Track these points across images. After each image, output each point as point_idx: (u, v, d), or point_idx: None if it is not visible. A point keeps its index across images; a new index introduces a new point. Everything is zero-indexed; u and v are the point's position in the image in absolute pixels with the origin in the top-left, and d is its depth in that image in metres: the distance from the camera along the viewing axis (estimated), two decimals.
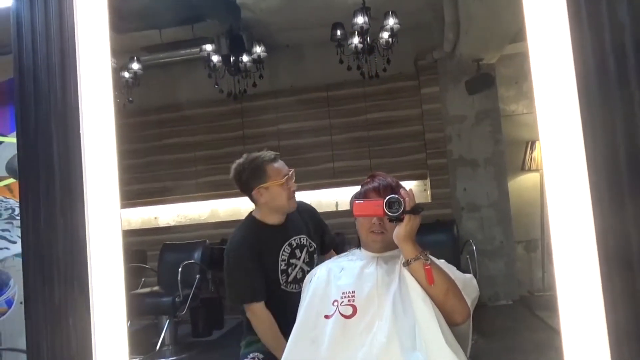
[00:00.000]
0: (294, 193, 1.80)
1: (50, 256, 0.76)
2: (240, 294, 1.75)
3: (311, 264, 1.82)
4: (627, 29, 0.69)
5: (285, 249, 1.80)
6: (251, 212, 1.88)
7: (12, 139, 2.68)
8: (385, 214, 1.30)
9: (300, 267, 1.80)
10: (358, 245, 1.57)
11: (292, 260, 1.81)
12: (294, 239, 1.83)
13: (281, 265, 1.79)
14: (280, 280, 1.79)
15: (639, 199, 0.66)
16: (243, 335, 1.87)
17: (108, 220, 0.75)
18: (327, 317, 1.36)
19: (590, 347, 0.66)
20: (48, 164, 0.77)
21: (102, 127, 0.78)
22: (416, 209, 1.31)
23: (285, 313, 1.52)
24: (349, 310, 1.34)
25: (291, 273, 1.81)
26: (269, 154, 1.80)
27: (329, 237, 2.00)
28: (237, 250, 1.78)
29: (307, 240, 1.86)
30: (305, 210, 1.95)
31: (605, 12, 0.69)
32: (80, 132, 0.77)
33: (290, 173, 1.79)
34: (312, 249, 1.86)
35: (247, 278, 1.74)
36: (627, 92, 0.68)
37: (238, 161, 1.82)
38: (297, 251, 1.83)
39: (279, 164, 1.79)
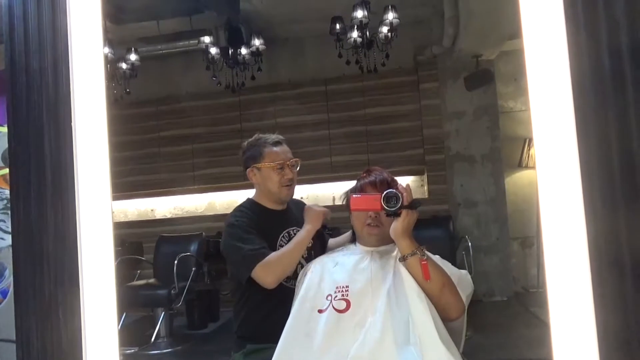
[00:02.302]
0: (290, 182, 1.75)
1: (41, 248, 0.76)
2: (248, 257, 1.61)
3: (309, 260, 1.78)
4: (622, 27, 0.68)
5: (284, 236, 1.74)
6: (249, 197, 1.86)
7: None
8: (382, 208, 1.30)
9: (300, 263, 1.70)
10: (352, 239, 1.57)
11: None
12: (293, 230, 1.76)
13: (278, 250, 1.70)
14: None
15: (631, 201, 0.66)
16: (236, 344, 1.71)
17: (99, 213, 0.75)
18: (320, 311, 1.36)
19: (579, 347, 0.66)
20: (39, 156, 0.76)
21: (94, 120, 0.77)
22: (414, 204, 1.31)
23: (283, 309, 1.47)
24: (343, 305, 1.34)
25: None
26: (273, 137, 1.79)
27: (323, 236, 1.95)
28: (242, 217, 1.72)
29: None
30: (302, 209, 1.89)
31: (602, 10, 0.68)
32: (72, 124, 0.76)
33: (289, 161, 1.75)
34: (310, 244, 1.78)
35: (250, 242, 1.63)
36: (622, 92, 0.68)
37: (249, 139, 1.84)
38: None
39: (280, 149, 1.76)
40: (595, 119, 0.68)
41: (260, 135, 1.81)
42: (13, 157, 0.78)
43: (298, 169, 1.79)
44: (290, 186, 1.77)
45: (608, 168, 0.68)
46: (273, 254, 1.60)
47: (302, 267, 1.70)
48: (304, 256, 1.73)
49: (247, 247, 1.62)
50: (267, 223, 1.73)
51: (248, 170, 1.79)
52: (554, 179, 0.67)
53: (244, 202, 1.84)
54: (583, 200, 0.66)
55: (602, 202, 0.67)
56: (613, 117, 0.68)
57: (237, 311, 1.74)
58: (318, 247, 1.80)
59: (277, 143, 1.77)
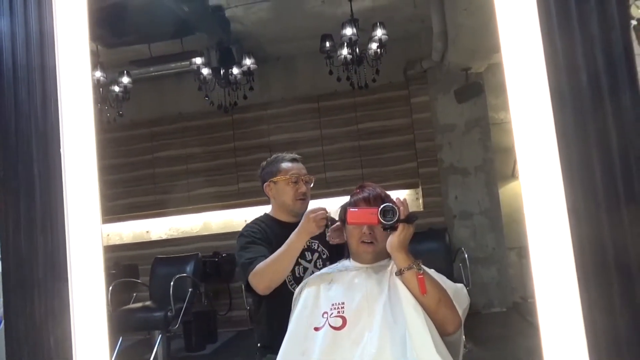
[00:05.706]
0: (304, 196, 1.85)
1: (31, 275, 0.75)
2: (244, 265, 1.70)
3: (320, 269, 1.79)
4: (597, 40, 0.70)
5: None
6: (265, 212, 1.96)
7: None
8: (379, 222, 1.30)
9: (312, 272, 1.76)
10: (347, 256, 1.57)
11: (302, 261, 1.79)
12: (307, 242, 1.79)
13: None
14: (286, 278, 1.74)
15: (614, 208, 0.67)
16: (259, 353, 1.79)
17: (89, 239, 0.74)
18: (316, 329, 1.35)
19: (569, 350, 0.67)
20: (28, 183, 0.76)
21: (83, 146, 0.78)
22: (410, 218, 1.32)
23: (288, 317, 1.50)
24: (339, 322, 1.34)
25: (300, 275, 1.77)
26: (290, 154, 1.92)
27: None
28: (251, 228, 1.83)
29: (318, 245, 1.84)
30: None
31: (576, 26, 0.70)
32: (61, 151, 0.76)
33: (303, 177, 1.86)
34: (325, 256, 1.83)
35: (250, 251, 1.73)
36: (600, 103, 0.69)
37: (268, 159, 1.97)
38: (308, 254, 1.81)
39: (294, 165, 1.89)
40: (574, 131, 0.70)
41: (279, 154, 1.94)
42: (2, 184, 0.78)
43: (312, 185, 1.91)
44: (304, 200, 1.86)
45: (589, 177, 0.69)
46: (262, 262, 1.66)
47: (307, 270, 1.78)
48: (319, 266, 1.80)
49: (246, 256, 1.71)
50: (281, 236, 1.79)
51: (265, 185, 1.89)
52: (538, 190, 0.68)
53: (260, 216, 1.95)
54: (567, 208, 0.67)
55: (585, 208, 0.68)
56: (592, 128, 0.70)
57: (257, 321, 1.83)
58: (334, 254, 1.79)
59: (293, 159, 1.91)
